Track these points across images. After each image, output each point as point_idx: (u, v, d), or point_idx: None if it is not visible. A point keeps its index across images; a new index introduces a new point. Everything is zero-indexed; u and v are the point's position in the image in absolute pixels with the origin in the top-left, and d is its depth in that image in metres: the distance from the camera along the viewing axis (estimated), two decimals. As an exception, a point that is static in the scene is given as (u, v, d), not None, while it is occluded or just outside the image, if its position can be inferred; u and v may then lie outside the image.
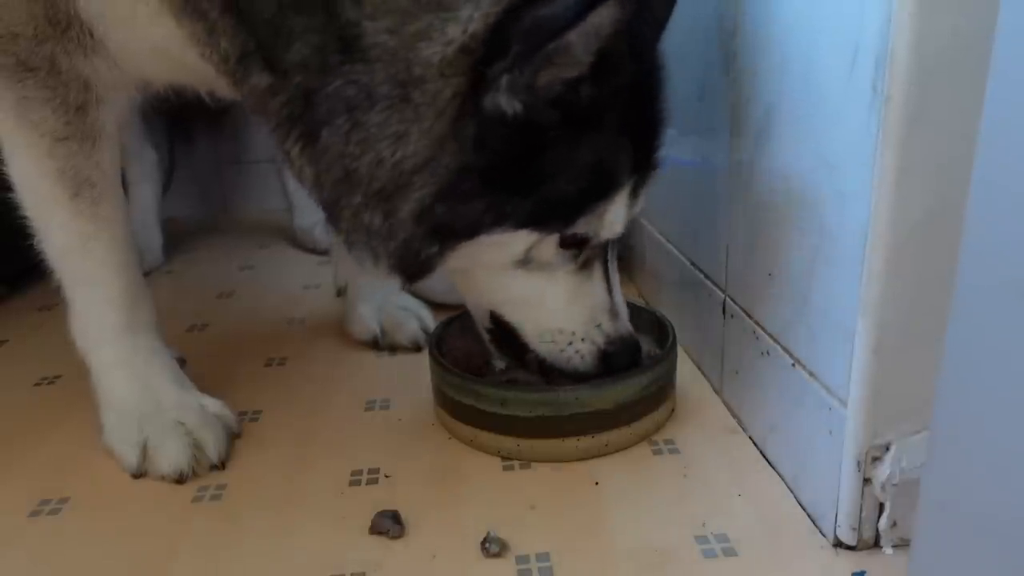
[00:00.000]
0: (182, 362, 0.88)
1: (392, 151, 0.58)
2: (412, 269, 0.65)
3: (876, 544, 0.60)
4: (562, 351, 0.73)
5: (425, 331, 1.00)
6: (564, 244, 0.67)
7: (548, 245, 0.66)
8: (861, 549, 0.60)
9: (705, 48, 0.83)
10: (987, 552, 0.39)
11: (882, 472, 0.57)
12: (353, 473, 0.73)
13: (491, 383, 0.77)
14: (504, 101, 0.57)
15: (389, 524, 0.64)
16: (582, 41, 0.54)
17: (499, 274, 0.69)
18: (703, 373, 0.89)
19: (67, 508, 0.70)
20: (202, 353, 1.00)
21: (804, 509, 0.65)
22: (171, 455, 0.73)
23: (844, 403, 0.57)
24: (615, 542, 0.63)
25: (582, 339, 0.72)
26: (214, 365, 0.96)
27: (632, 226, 1.19)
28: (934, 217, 0.51)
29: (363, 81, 0.57)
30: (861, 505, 0.59)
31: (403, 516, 0.65)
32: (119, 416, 0.76)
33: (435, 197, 0.59)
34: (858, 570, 0.58)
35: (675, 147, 0.96)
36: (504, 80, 0.56)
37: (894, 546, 0.59)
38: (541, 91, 0.57)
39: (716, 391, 0.85)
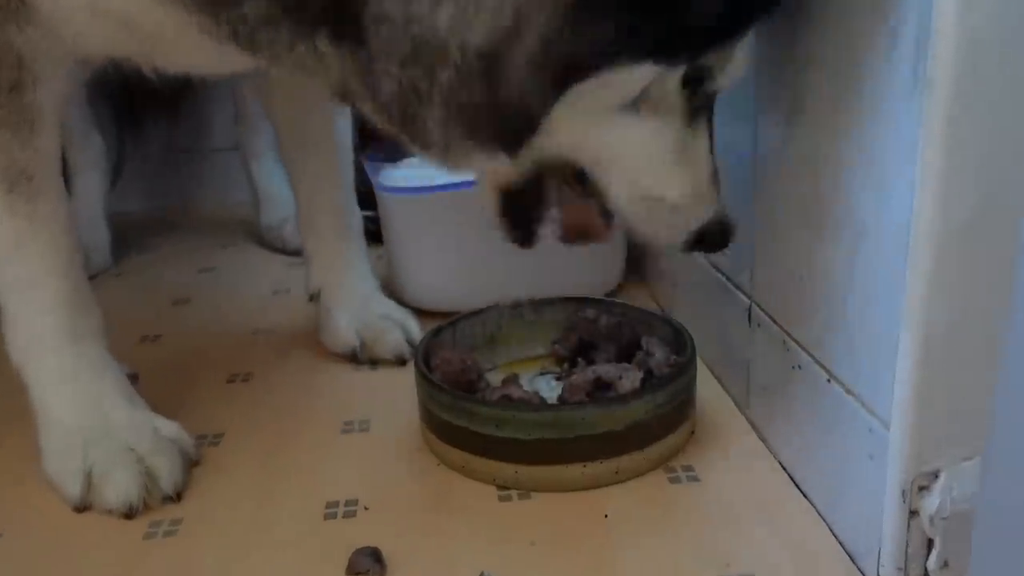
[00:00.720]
0: (134, 378, 0.88)
1: None
2: (515, 128, 0.62)
3: (924, 585, 0.60)
4: (652, 220, 0.69)
5: (411, 343, 1.00)
6: (686, 83, 0.63)
7: (671, 82, 0.62)
8: (907, 591, 0.60)
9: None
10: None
11: (931, 503, 0.57)
12: (328, 505, 0.73)
13: (485, 401, 0.78)
14: None
15: (369, 563, 0.64)
16: None
17: (601, 121, 0.64)
18: (726, 389, 0.89)
19: None
20: (156, 368, 1.00)
21: (841, 545, 0.65)
22: (119, 485, 0.73)
23: (887, 424, 0.58)
24: (626, 583, 0.63)
25: (683, 214, 0.69)
26: (169, 382, 0.96)
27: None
28: (986, 213, 0.51)
29: None
30: (907, 541, 0.59)
31: (385, 554, 0.65)
32: (60, 440, 0.76)
33: (561, 22, 0.55)
34: (903, 614, 0.58)
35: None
36: None
37: (944, 587, 0.59)
38: None
39: (741, 410, 0.85)
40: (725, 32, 0.61)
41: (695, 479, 0.75)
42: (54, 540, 0.70)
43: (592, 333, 0.91)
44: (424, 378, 0.80)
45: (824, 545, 0.66)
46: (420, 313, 1.06)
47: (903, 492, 0.58)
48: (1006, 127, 0.49)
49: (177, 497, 0.75)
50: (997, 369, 0.41)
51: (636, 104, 0.62)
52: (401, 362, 0.99)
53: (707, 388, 0.88)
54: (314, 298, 1.06)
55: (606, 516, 0.70)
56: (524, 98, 0.59)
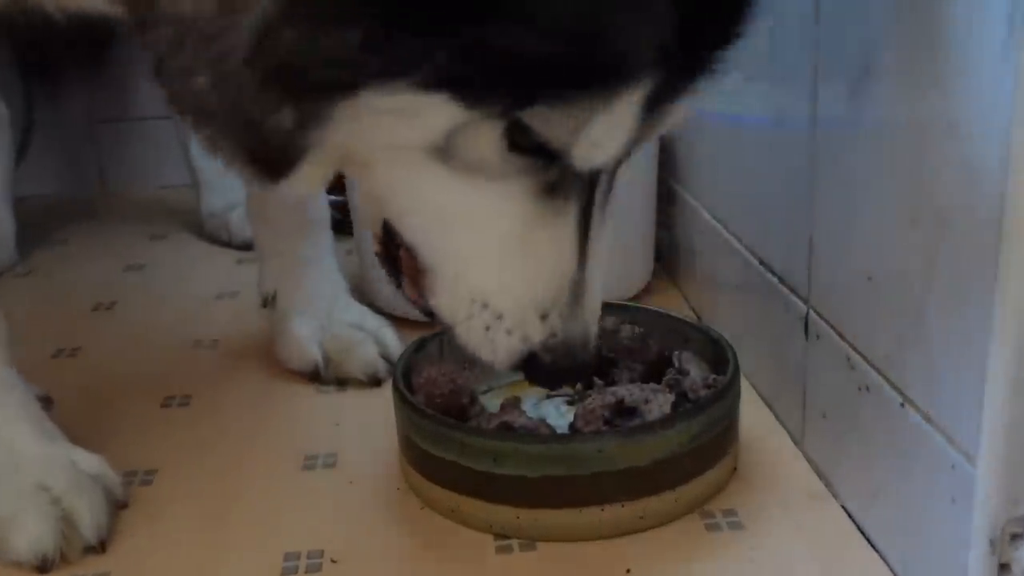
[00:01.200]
0: (47, 402, 0.89)
1: None
2: (269, 155, 0.59)
3: (1018, 655, 0.61)
4: (470, 327, 0.64)
5: (387, 358, 1.01)
6: (516, 146, 0.57)
7: (486, 135, 0.56)
8: (997, 661, 0.61)
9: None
10: None
11: (1025, 555, 0.58)
12: (286, 557, 0.74)
13: (480, 431, 0.78)
14: None
15: (337, 629, 0.65)
16: None
17: (405, 165, 0.60)
18: (776, 416, 0.90)
19: None
20: (74, 389, 1.01)
21: (918, 606, 0.66)
22: (30, 532, 0.74)
23: (973, 460, 0.58)
24: (654, 654, 0.64)
25: (508, 330, 0.63)
26: (91, 406, 0.97)
27: (678, 211, 1.21)
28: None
29: None
30: (997, 600, 0.60)
31: (358, 618, 0.66)
32: (-42, 478, 0.77)
33: (282, 16, 0.52)
34: None
35: (739, 100, 0.98)
36: None
37: (1042, 658, 0.60)
38: None
39: (795, 441, 0.86)
40: (562, 84, 0.53)
41: (739, 526, 0.76)
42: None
43: (612, 347, 0.92)
44: (404, 401, 0.80)
45: (897, 607, 0.67)
46: (399, 322, 1.06)
47: (991, 541, 0.58)
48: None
49: (101, 547, 0.75)
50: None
51: (447, 157, 0.58)
52: (375, 382, 1.00)
53: (754, 414, 0.89)
54: (268, 303, 1.07)
55: (628, 572, 0.71)
56: (257, 105, 0.56)
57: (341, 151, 0.61)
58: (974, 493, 0.58)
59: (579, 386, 0.92)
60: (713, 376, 0.84)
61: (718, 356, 0.85)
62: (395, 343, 1.02)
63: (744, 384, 0.85)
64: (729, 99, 1.00)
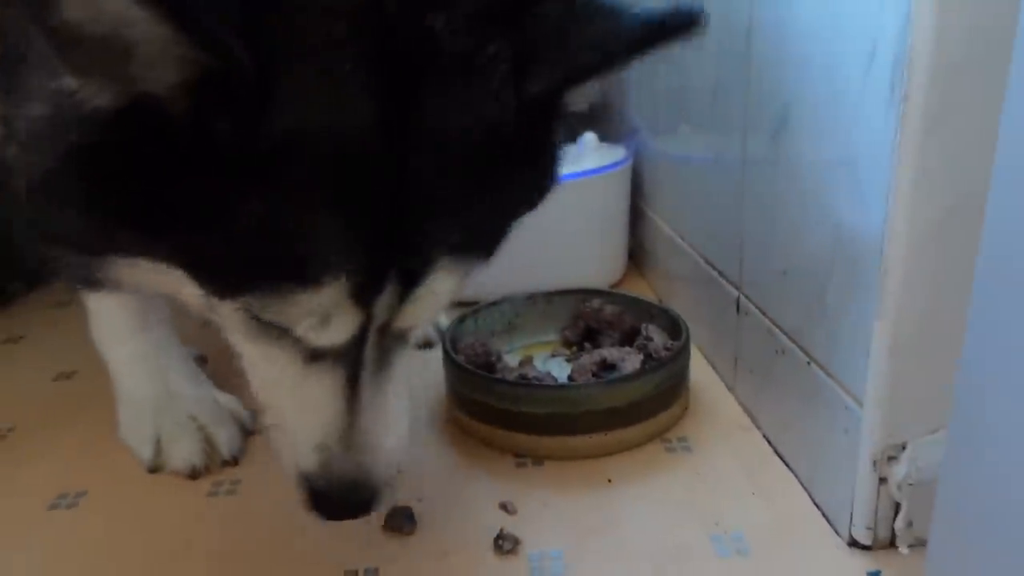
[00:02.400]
0: (203, 360, 0.89)
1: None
2: (83, 283, 0.53)
3: (892, 544, 0.59)
4: (270, 431, 0.55)
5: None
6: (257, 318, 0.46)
7: (229, 310, 0.47)
8: (877, 549, 0.60)
9: (719, 44, 0.82)
10: (1004, 552, 0.39)
11: (898, 471, 0.57)
12: (367, 469, 0.74)
13: (505, 380, 0.78)
14: (71, 82, 0.38)
15: (402, 520, 0.65)
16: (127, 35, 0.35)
17: (204, 312, 0.52)
18: (716, 371, 0.89)
19: (85, 500, 0.71)
20: (216, 349, 1.00)
21: (819, 508, 0.65)
22: (184, 451, 0.74)
23: (860, 402, 0.57)
24: (629, 540, 0.63)
25: (290, 446, 0.52)
26: (229, 362, 0.97)
27: (645, 223, 1.20)
28: (953, 216, 0.51)
29: None
30: (877, 505, 0.58)
31: (416, 512, 0.66)
32: (134, 411, 0.77)
33: (31, 183, 0.44)
34: (873, 570, 0.58)
35: (688, 143, 0.96)
36: (51, 53, 0.37)
37: (910, 546, 0.59)
38: (124, 89, 0.38)
39: (729, 389, 0.85)
40: (256, 281, 0.43)
41: (688, 449, 0.75)
42: (132, 496, 0.71)
43: (597, 321, 0.91)
44: (451, 360, 0.80)
45: (803, 507, 0.66)
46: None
47: (874, 462, 0.57)
48: (974, 139, 0.48)
49: (235, 462, 0.75)
50: (961, 354, 0.40)
51: (214, 310, 0.49)
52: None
53: (699, 369, 0.88)
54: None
55: (610, 480, 0.71)
56: (32, 245, 0.50)
57: (150, 290, 0.52)
58: (861, 427, 0.58)
59: (574, 349, 0.92)
60: (671, 342, 0.83)
61: (675, 328, 0.84)
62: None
63: (692, 348, 0.84)
64: (681, 144, 0.99)
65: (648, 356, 0.82)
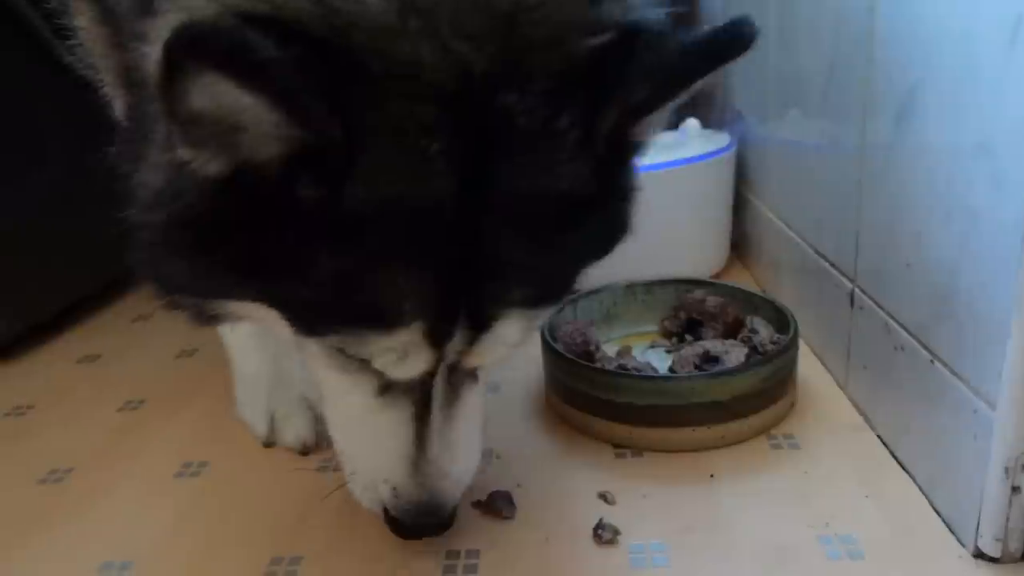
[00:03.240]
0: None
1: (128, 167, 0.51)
2: (199, 320, 0.58)
3: (1023, 558, 0.55)
4: (348, 478, 0.60)
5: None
6: (341, 351, 0.52)
7: (316, 346, 0.53)
8: (1006, 562, 0.56)
9: (836, 20, 0.78)
10: None
11: (1034, 480, 0.53)
12: (466, 453, 0.75)
13: (604, 370, 0.77)
14: (185, 154, 0.43)
15: (503, 504, 0.66)
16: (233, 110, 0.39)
17: (294, 343, 0.56)
18: (825, 366, 0.85)
19: (207, 470, 0.75)
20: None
21: (939, 515, 0.61)
22: (295, 428, 0.77)
23: (992, 405, 0.53)
24: (732, 536, 0.61)
25: (364, 486, 0.58)
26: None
27: (749, 211, 1.16)
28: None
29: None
30: (1008, 515, 0.55)
31: (515, 498, 0.66)
32: (250, 389, 0.81)
33: (150, 239, 0.49)
34: (1002, 584, 0.54)
35: (799, 127, 0.92)
36: (170, 128, 0.43)
37: (1044, 561, 0.55)
38: (232, 159, 0.43)
39: (840, 386, 0.81)
40: (339, 322, 0.48)
41: (795, 447, 0.72)
42: (249, 468, 0.76)
43: (699, 312, 0.89)
44: (550, 348, 0.80)
45: (922, 513, 0.62)
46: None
47: (1006, 469, 0.54)
48: None
49: (341, 440, 0.79)
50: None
51: (299, 344, 0.54)
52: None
53: (808, 365, 0.84)
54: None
55: (712, 476, 0.69)
56: (170, 283, 0.54)
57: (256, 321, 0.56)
58: (992, 431, 0.54)
59: (674, 340, 0.90)
60: (777, 335, 0.80)
61: (781, 321, 0.81)
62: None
63: (800, 342, 0.81)
64: (791, 128, 0.95)
65: (753, 349, 0.79)
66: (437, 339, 0.48)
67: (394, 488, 0.55)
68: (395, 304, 0.46)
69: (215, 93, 0.38)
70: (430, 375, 0.52)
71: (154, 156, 0.48)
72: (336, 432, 0.59)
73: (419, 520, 0.56)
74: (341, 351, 0.51)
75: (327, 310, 0.47)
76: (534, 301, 0.49)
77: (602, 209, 0.49)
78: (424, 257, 0.45)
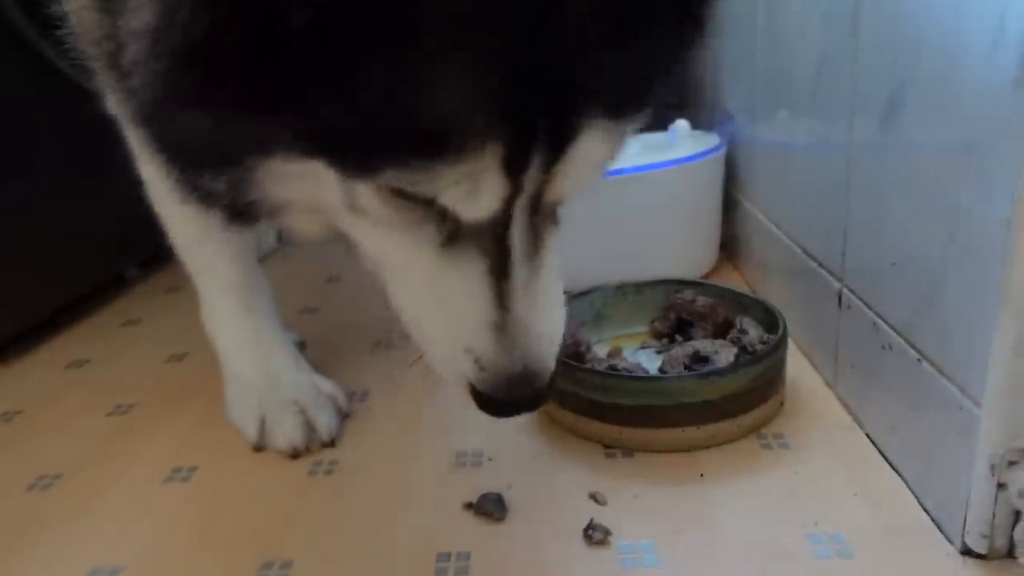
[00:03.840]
0: (302, 345, 0.92)
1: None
2: (232, 210, 0.50)
3: (1010, 554, 0.56)
4: (419, 344, 0.51)
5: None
6: (404, 196, 0.43)
7: (369, 193, 0.44)
8: (992, 558, 0.56)
9: (823, 21, 0.79)
10: None
11: (1019, 477, 0.53)
12: (458, 455, 0.75)
13: (595, 371, 0.77)
14: None
15: (493, 506, 0.65)
16: None
17: (346, 221, 0.49)
18: (814, 366, 0.85)
19: (196, 475, 0.75)
20: (313, 335, 1.04)
21: (928, 513, 0.62)
22: (286, 431, 0.77)
23: (978, 403, 0.54)
24: (722, 536, 0.61)
25: (440, 360, 0.50)
26: (325, 347, 1.01)
27: (738, 212, 1.16)
28: (1091, 203, 0.47)
29: None
30: (994, 512, 0.55)
31: (506, 499, 0.66)
32: (240, 393, 0.81)
33: (147, 95, 0.42)
34: (989, 580, 0.55)
35: (788, 128, 0.92)
36: None
37: (1031, 557, 0.55)
38: None
39: (829, 385, 0.81)
40: (401, 153, 0.40)
41: (785, 446, 0.73)
42: (238, 472, 0.75)
43: (689, 312, 0.89)
44: (540, 348, 0.80)
45: (910, 511, 0.62)
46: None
47: (992, 466, 0.54)
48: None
49: (332, 443, 0.78)
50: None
51: (363, 212, 0.46)
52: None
53: (796, 365, 0.85)
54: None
55: (702, 475, 0.69)
56: (182, 172, 0.47)
57: (294, 206, 0.49)
58: (979, 428, 0.54)
59: (664, 341, 0.91)
60: (767, 335, 0.80)
61: (770, 321, 0.82)
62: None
63: (789, 342, 0.81)
64: (780, 129, 0.95)
65: (743, 349, 0.79)
66: (514, 163, 0.40)
67: (477, 359, 0.47)
68: (463, 118, 0.38)
69: None
70: (506, 215, 0.44)
71: (144, 12, 0.40)
72: (401, 301, 0.50)
73: (512, 394, 0.47)
74: (400, 193, 0.43)
75: (381, 137, 0.39)
76: (619, 105, 0.42)
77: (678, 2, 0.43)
78: (493, 60, 0.37)
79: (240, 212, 0.50)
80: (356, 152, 0.41)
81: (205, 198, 0.50)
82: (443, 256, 0.46)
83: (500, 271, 0.45)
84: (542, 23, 0.37)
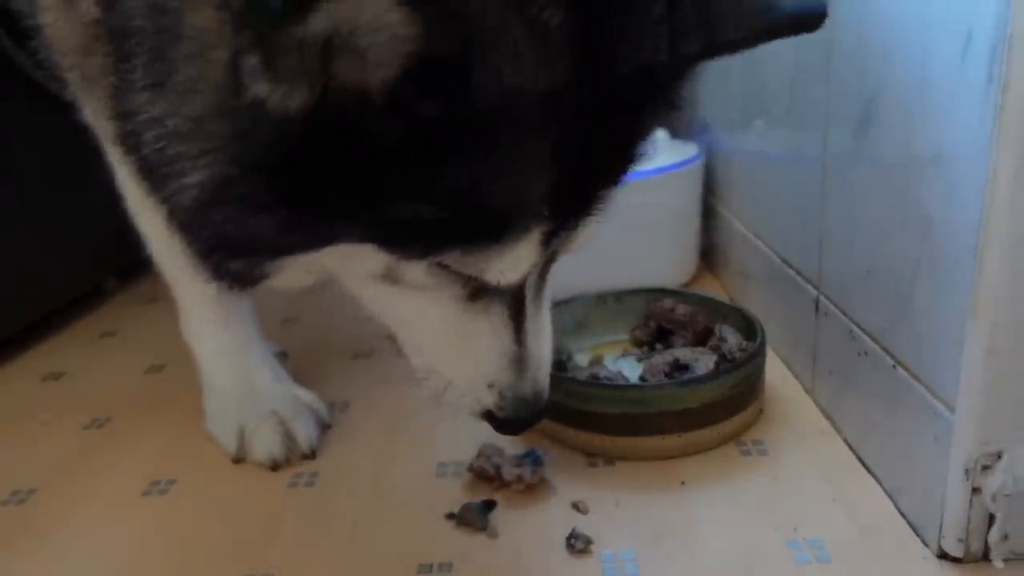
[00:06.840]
0: (284, 356, 0.91)
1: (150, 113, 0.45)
2: (239, 283, 0.54)
3: (985, 557, 0.57)
4: (431, 383, 0.57)
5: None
6: (442, 268, 0.49)
7: (414, 269, 0.49)
8: (968, 561, 0.57)
9: (798, 36, 0.80)
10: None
11: (993, 482, 0.54)
12: (439, 465, 0.74)
13: (576, 380, 0.77)
14: (262, 90, 0.39)
15: (475, 517, 0.65)
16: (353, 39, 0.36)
17: (367, 284, 0.53)
18: (793, 373, 0.86)
19: (175, 488, 0.74)
20: (294, 345, 1.03)
21: (904, 517, 0.62)
22: (265, 443, 0.76)
23: (952, 408, 0.55)
24: (703, 543, 0.62)
25: (461, 394, 0.56)
26: (306, 357, 1.00)
27: (717, 221, 1.17)
28: (1057, 211, 0.48)
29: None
30: (969, 515, 0.56)
31: (488, 509, 0.66)
32: (219, 404, 0.80)
33: (208, 198, 0.44)
34: (965, 583, 0.55)
35: (764, 138, 0.94)
36: (249, 62, 0.38)
37: (1005, 560, 0.56)
38: (320, 87, 0.38)
39: (807, 391, 0.82)
40: (460, 238, 0.45)
41: (764, 452, 0.73)
42: (218, 485, 0.74)
43: (669, 321, 0.89)
44: (521, 358, 0.80)
45: (887, 516, 0.63)
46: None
47: (967, 471, 0.55)
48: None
49: (312, 454, 0.77)
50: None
51: (393, 279, 0.51)
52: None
53: (775, 371, 0.85)
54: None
55: (683, 483, 0.69)
56: (209, 254, 0.50)
57: (303, 269, 0.53)
58: (953, 434, 0.55)
59: (645, 349, 0.91)
60: (745, 343, 0.81)
61: (749, 328, 0.82)
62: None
63: (768, 349, 0.82)
64: (757, 139, 0.96)
65: (722, 357, 0.80)
66: (550, 239, 0.47)
67: (500, 391, 0.54)
68: (521, 210, 0.44)
69: (356, 5, 0.34)
70: (543, 267, 0.52)
71: (198, 105, 0.42)
72: (423, 349, 0.56)
73: (525, 414, 0.55)
74: (443, 266, 0.48)
75: (448, 227, 0.44)
76: (618, 180, 0.50)
77: (670, 84, 0.49)
78: (546, 162, 0.43)
79: (251, 280, 0.54)
80: (421, 241, 0.45)
81: (220, 274, 0.53)
82: (468, 310, 0.52)
83: (517, 314, 0.53)
84: (587, 106, 0.43)
